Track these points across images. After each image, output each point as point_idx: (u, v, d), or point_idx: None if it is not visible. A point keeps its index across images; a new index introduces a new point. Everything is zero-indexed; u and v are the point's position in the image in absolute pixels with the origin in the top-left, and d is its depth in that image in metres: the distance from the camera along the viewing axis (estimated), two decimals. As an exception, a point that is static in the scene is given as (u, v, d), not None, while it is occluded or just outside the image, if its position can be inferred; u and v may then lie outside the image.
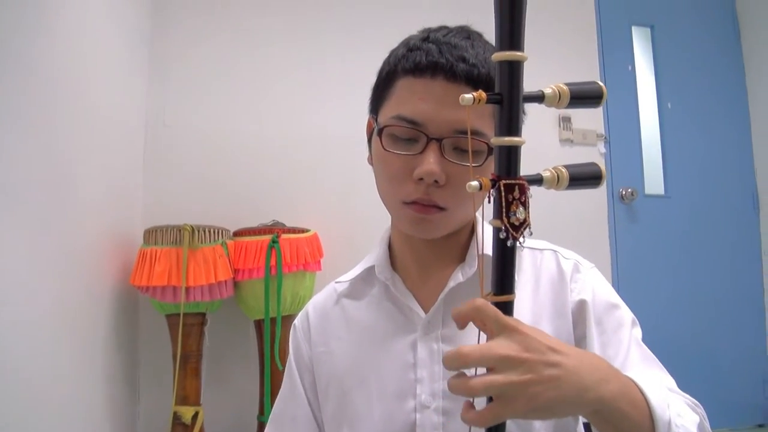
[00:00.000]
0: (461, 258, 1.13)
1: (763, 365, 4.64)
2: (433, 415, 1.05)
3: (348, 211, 3.83)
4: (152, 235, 3.31)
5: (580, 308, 1.09)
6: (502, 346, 0.77)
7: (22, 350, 2.55)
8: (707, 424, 0.99)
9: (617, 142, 4.52)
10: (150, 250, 3.25)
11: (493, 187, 0.80)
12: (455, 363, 0.78)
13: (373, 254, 1.21)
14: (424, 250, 1.14)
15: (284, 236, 3.33)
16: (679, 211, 4.60)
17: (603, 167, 0.89)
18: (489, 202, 0.81)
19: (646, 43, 4.84)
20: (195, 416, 3.26)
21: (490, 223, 0.82)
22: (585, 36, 4.57)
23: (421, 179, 1.02)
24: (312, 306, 1.30)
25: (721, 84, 4.89)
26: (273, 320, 3.30)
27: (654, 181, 4.63)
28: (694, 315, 4.47)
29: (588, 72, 4.45)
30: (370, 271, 1.20)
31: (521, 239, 0.80)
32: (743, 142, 4.86)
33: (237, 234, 3.46)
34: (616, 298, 1.13)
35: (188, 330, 3.31)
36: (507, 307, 0.82)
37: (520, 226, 0.80)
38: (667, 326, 4.29)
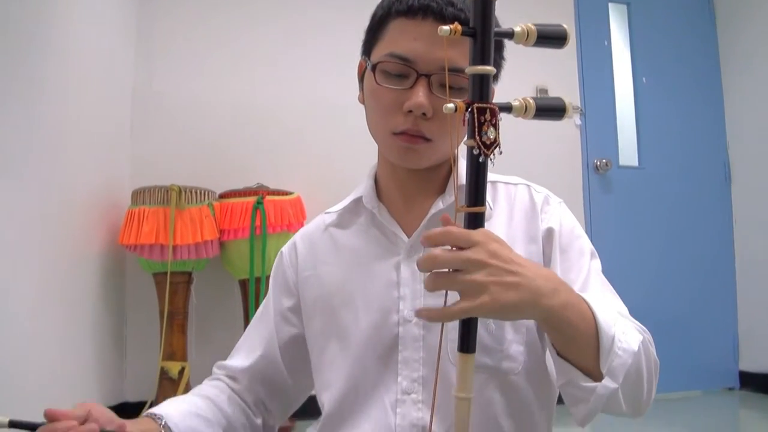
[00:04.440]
0: (442, 189, 1.24)
1: (733, 330, 4.81)
2: (414, 328, 1.15)
3: (330, 175, 3.93)
4: (140, 195, 3.40)
5: (548, 235, 1.20)
6: (470, 252, 0.88)
7: (12, 308, 2.64)
8: (652, 348, 1.09)
9: (593, 114, 4.65)
10: (138, 210, 3.35)
11: (467, 110, 0.90)
12: (428, 264, 0.89)
13: (360, 187, 1.31)
14: (408, 182, 1.24)
15: (269, 198, 3.44)
16: (652, 181, 4.74)
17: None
18: (464, 124, 0.92)
19: (623, 20, 4.95)
20: (181, 371, 3.37)
21: (465, 143, 0.92)
22: (562, 12, 4.67)
23: (410, 111, 1.12)
24: (300, 235, 1.40)
25: (695, 59, 5.02)
26: (258, 279, 3.41)
27: (628, 152, 4.76)
28: (667, 282, 4.61)
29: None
30: (357, 202, 1.31)
31: (492, 156, 0.91)
32: (715, 115, 5.00)
33: (223, 196, 3.57)
34: (580, 231, 1.25)
35: (175, 288, 3.42)
36: (478, 218, 0.93)
37: (491, 145, 0.91)
38: (641, 293, 4.41)
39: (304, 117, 4.06)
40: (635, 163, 4.77)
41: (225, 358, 1.39)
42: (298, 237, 1.40)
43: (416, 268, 1.18)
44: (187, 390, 3.38)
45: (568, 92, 4.55)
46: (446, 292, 0.93)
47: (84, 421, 0.96)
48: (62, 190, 3.09)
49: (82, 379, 3.25)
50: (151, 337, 3.58)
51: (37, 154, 2.87)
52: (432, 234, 0.90)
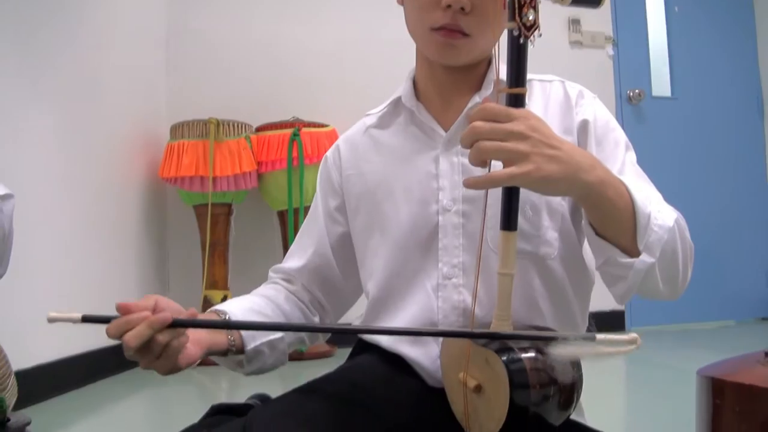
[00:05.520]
0: (479, 87, 1.27)
1: (766, 261, 4.85)
2: (453, 217, 1.20)
3: (365, 108, 3.95)
4: (179, 129, 3.48)
5: (583, 127, 1.23)
6: (511, 124, 0.92)
7: (58, 242, 2.75)
8: (687, 233, 1.13)
9: (625, 44, 4.63)
10: (177, 144, 3.43)
11: (508, -9, 0.95)
12: (470, 137, 0.93)
13: (399, 88, 1.36)
14: (445, 80, 1.27)
15: (305, 130, 3.49)
16: (685, 112, 4.73)
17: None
18: (504, 7, 0.96)
19: (654, -52, 4.89)
20: (224, 299, 3.47)
21: (505, 26, 0.96)
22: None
23: (449, 6, 1.14)
24: (342, 139, 1.45)
25: (729, -12, 4.97)
26: (296, 210, 3.48)
27: (661, 82, 4.75)
28: (700, 213, 4.59)
29: (597, -25, 4.52)
30: (396, 103, 1.34)
31: (531, 38, 0.95)
32: (748, 47, 4.96)
33: (259, 129, 3.63)
34: (614, 123, 1.28)
35: (216, 219, 3.51)
36: (519, 99, 0.97)
37: (531, 27, 0.95)
38: (673, 224, 4.41)
39: (339, 51, 4.09)
40: (668, 93, 4.75)
41: (266, 287, 1.43)
42: (340, 140, 1.45)
43: (454, 160, 1.23)
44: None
45: (601, 22, 4.53)
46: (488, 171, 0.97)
47: (153, 311, 1.00)
48: (103, 127, 3.18)
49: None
50: (192, 267, 3.69)
51: (78, 92, 2.95)
52: (472, 114, 0.94)
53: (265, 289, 1.38)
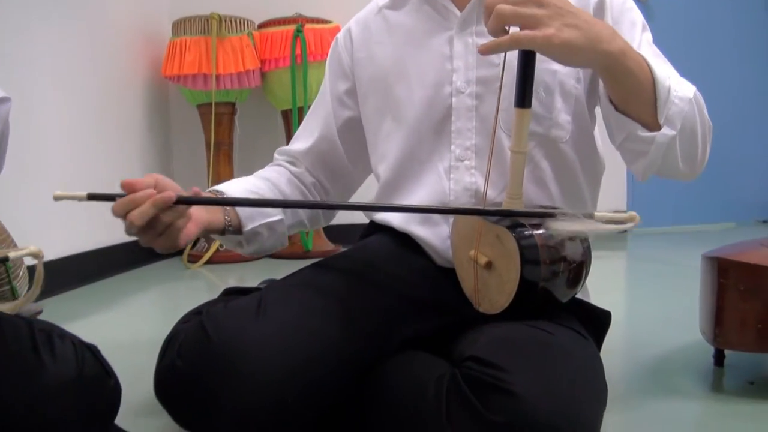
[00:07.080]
0: None
1: (768, 163, 4.83)
2: (467, 99, 1.19)
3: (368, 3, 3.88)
4: (180, 26, 3.43)
5: (600, 7, 1.21)
6: None
7: (61, 143, 2.77)
8: (701, 100, 1.13)
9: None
10: (179, 41, 3.38)
11: None
12: (489, 4, 0.92)
13: None
14: (461, -43, 1.26)
15: (308, 26, 3.43)
16: (693, 7, 4.64)
17: None
18: None
19: None
20: (229, 199, 3.49)
21: None
22: None
23: None
24: (354, 20, 1.43)
25: None
26: (300, 109, 3.46)
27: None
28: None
29: None
30: (410, -17, 1.33)
31: None
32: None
33: (261, 26, 3.57)
34: (631, 3, 1.25)
35: (219, 119, 3.50)
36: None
37: None
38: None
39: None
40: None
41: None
42: (352, 22, 1.43)
43: (469, 41, 1.21)
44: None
45: None
46: (504, 62, 1.00)
47: (155, 189, 0.99)
48: (105, 24, 3.15)
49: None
50: (197, 167, 3.69)
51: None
52: None
53: (267, 171, 1.40)
